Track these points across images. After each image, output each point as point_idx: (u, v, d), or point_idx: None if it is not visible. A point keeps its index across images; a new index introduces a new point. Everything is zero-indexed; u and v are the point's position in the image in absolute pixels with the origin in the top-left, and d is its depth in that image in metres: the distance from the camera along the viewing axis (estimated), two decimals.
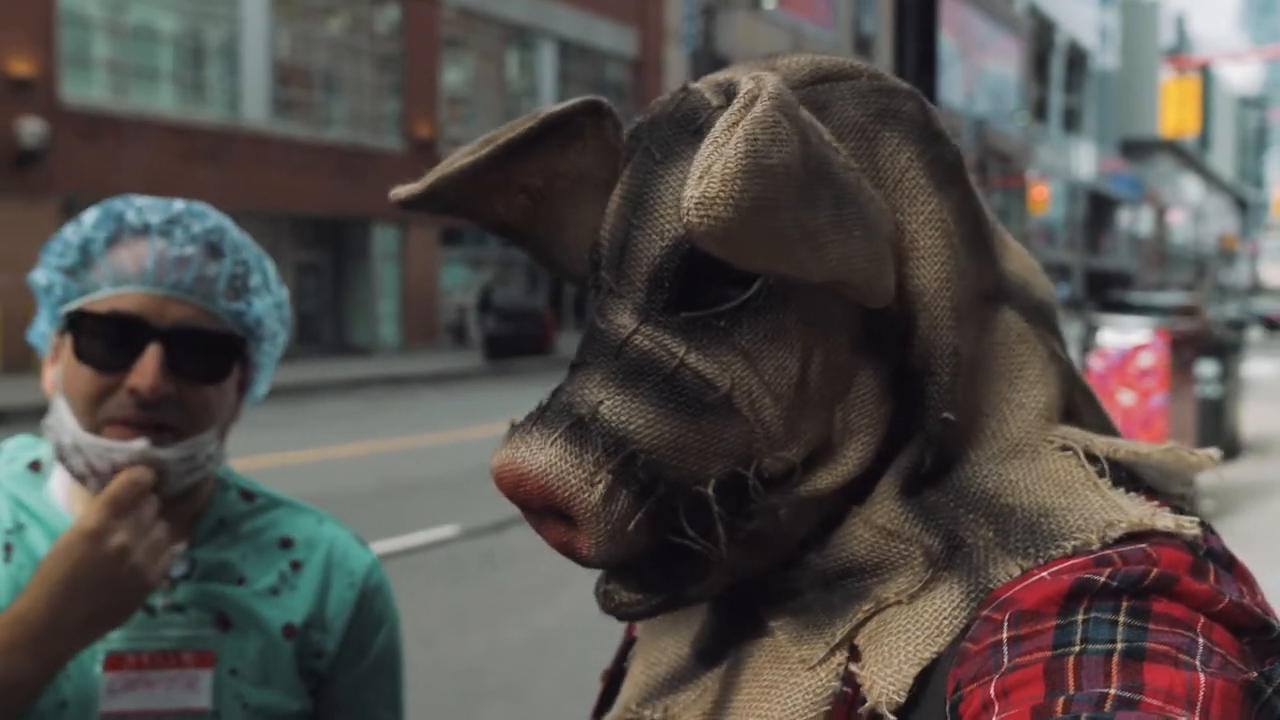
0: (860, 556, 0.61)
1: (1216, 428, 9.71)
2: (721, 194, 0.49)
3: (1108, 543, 0.57)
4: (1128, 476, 0.63)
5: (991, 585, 0.58)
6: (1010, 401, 0.64)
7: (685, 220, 0.50)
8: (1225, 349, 10.03)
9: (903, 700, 0.57)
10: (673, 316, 0.60)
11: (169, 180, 16.99)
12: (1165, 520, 0.58)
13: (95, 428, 1.02)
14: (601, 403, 0.58)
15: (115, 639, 1.05)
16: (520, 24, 25.10)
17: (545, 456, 0.56)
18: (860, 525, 0.62)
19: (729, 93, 0.62)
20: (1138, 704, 0.47)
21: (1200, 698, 0.47)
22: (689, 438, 0.58)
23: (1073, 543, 0.57)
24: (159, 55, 18.82)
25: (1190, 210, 77.07)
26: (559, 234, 0.73)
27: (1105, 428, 0.69)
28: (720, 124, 0.51)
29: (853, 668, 0.59)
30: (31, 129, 15.95)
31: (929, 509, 0.61)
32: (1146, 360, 8.34)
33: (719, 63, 24.30)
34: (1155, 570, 0.54)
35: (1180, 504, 0.62)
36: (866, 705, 0.57)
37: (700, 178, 0.50)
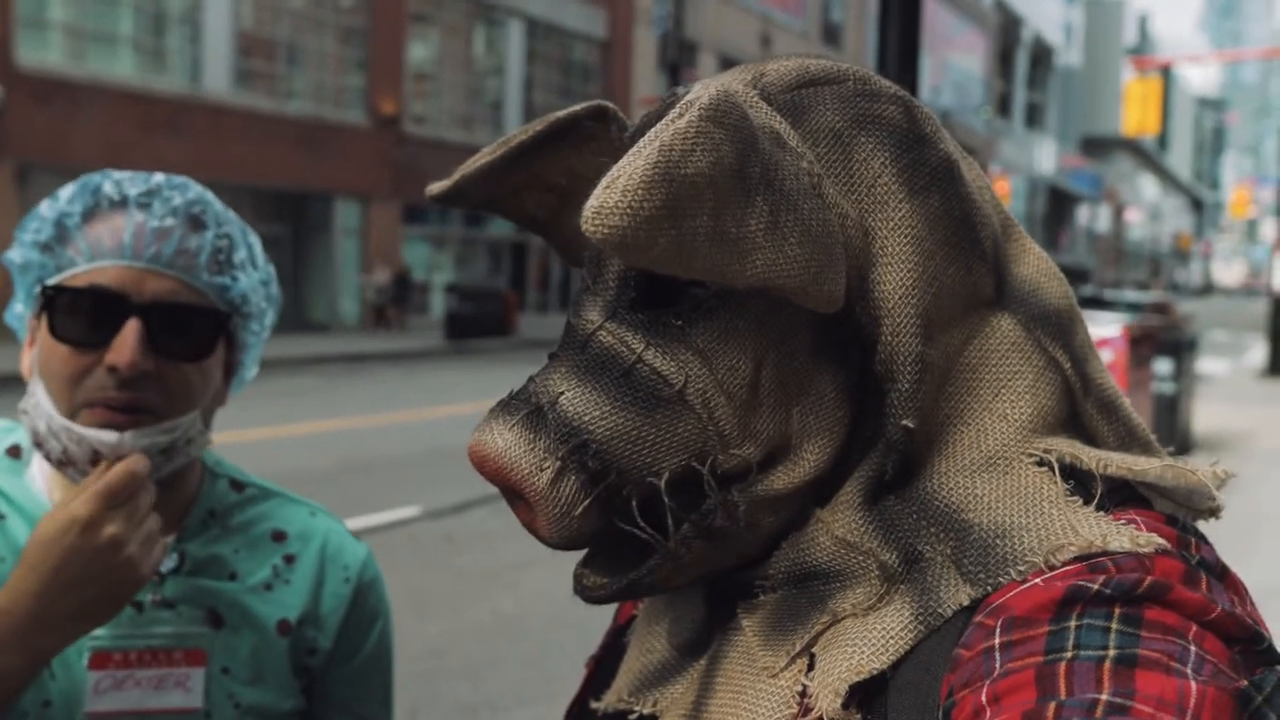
0: (822, 562, 0.63)
1: (1171, 424, 9.89)
2: (620, 203, 0.52)
3: (1053, 566, 0.57)
4: (1121, 492, 0.62)
5: (941, 611, 0.58)
6: (993, 411, 0.64)
7: (583, 227, 0.52)
8: (1181, 347, 10.19)
9: (836, 710, 0.58)
10: (636, 314, 0.62)
11: (127, 149, 16.71)
12: (1120, 541, 0.57)
13: (73, 411, 0.97)
14: (562, 393, 0.60)
15: (101, 636, 1.00)
16: (488, 1, 24.90)
17: (503, 440, 0.60)
18: (821, 532, 0.63)
19: None
20: (1129, 710, 0.47)
21: (1191, 705, 0.48)
22: (643, 431, 0.60)
23: (1021, 567, 0.57)
24: (118, 20, 18.46)
25: (1147, 209, 78.23)
26: (580, 232, 0.74)
27: (1127, 439, 0.68)
28: (648, 135, 0.54)
29: (804, 680, 0.60)
30: None
31: (889, 520, 0.62)
32: (1106, 357, 8.45)
33: (688, 47, 24.27)
34: (1148, 578, 0.54)
35: (1180, 518, 0.62)
36: (811, 716, 0.58)
37: (605, 187, 0.52)
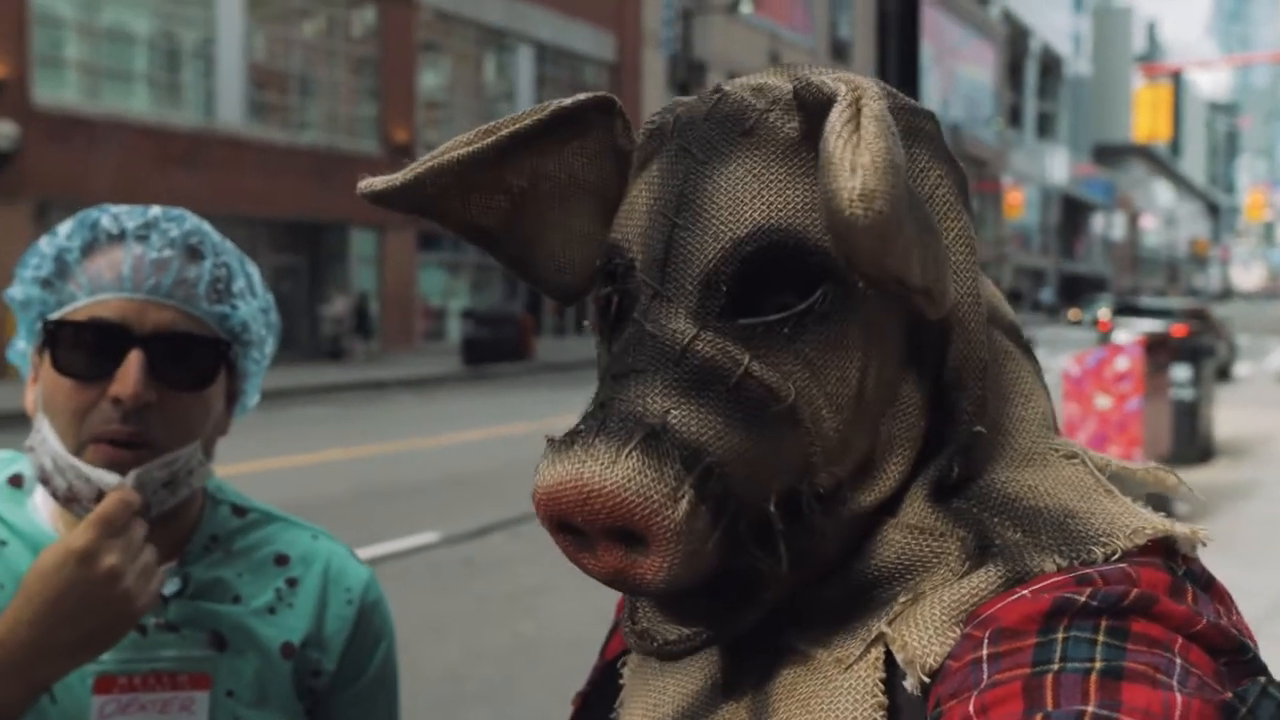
0: (891, 562, 0.60)
1: (1191, 431, 9.81)
2: (880, 187, 0.48)
3: (1135, 548, 0.58)
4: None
5: (1031, 573, 0.57)
6: (1011, 415, 0.65)
7: (847, 213, 0.48)
8: (1199, 353, 10.12)
9: (937, 665, 0.56)
10: (731, 323, 0.57)
11: (143, 183, 16.85)
12: (1182, 529, 0.60)
13: (79, 446, 0.98)
14: (669, 412, 0.54)
15: (106, 660, 1.00)
16: (497, 27, 25.07)
17: (622, 471, 0.51)
18: (892, 530, 0.61)
19: (778, 97, 0.61)
20: None
21: (1176, 717, 0.48)
22: (755, 450, 0.55)
23: (1101, 546, 0.58)
24: (133, 57, 18.68)
25: (1162, 215, 77.84)
26: (540, 240, 0.70)
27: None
28: (838, 120, 0.50)
29: (885, 630, 0.58)
30: (3, 131, 15.80)
31: (956, 513, 0.62)
32: (1122, 364, 8.40)
33: (696, 67, 24.35)
34: (1135, 590, 0.54)
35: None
36: (902, 660, 0.57)
37: (852, 171, 0.48)
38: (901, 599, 0.59)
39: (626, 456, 0.51)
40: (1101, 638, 0.52)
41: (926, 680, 0.56)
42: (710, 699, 0.63)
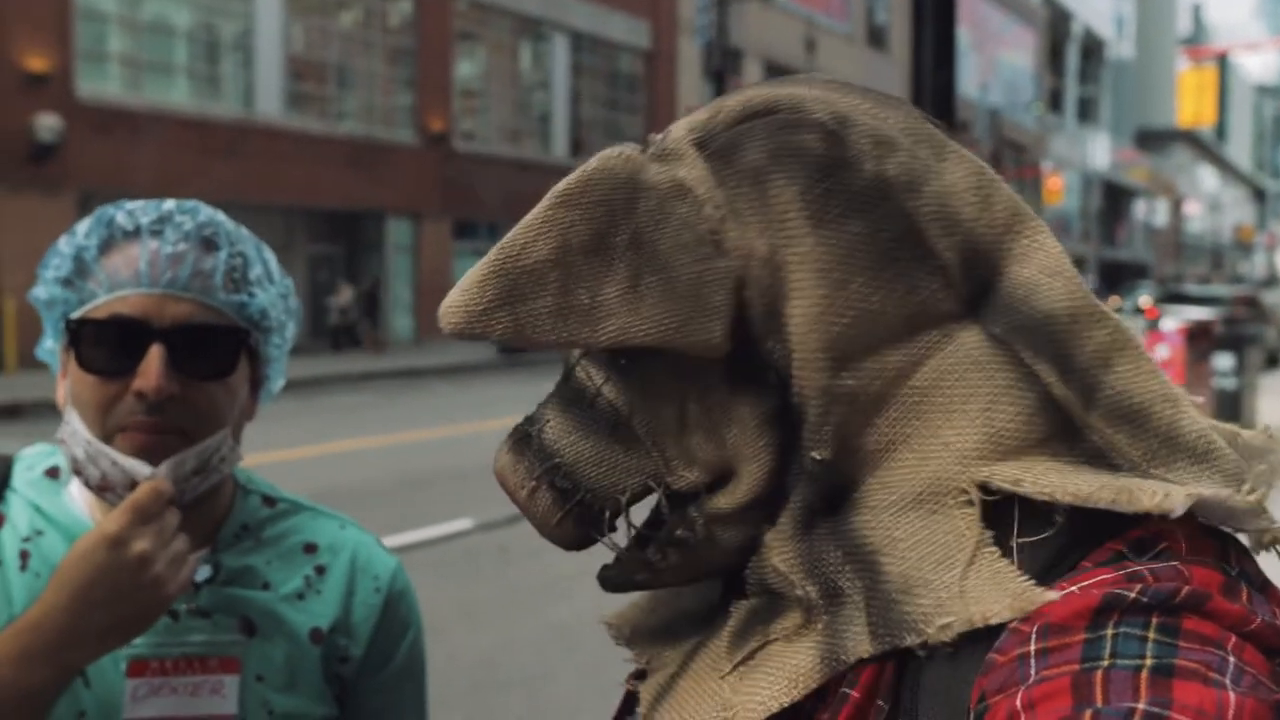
0: (768, 580, 0.66)
1: (1233, 420, 9.66)
2: (457, 301, 0.64)
3: (938, 641, 0.57)
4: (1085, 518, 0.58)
5: (844, 658, 0.60)
6: (938, 438, 0.61)
7: (439, 323, 0.65)
8: (1242, 342, 9.98)
9: None
10: (602, 355, 0.69)
11: (184, 174, 17.08)
12: (1001, 613, 0.56)
13: (107, 437, 1.00)
14: (547, 421, 0.70)
15: (138, 644, 1.03)
16: (533, 16, 25.08)
17: (500, 461, 0.70)
18: (766, 554, 0.66)
19: (657, 142, 0.69)
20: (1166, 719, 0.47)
21: (1230, 716, 0.47)
22: (604, 455, 0.68)
23: (913, 637, 0.58)
24: (174, 50, 18.88)
25: (1206, 201, 76.60)
26: None
27: (1163, 450, 0.60)
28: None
29: (726, 688, 0.64)
30: (47, 124, 16.03)
31: (816, 552, 0.63)
32: (1163, 352, 8.30)
33: (732, 54, 24.22)
34: (1187, 588, 0.53)
35: (1224, 530, 0.59)
36: None
37: (456, 287, 0.65)
38: (756, 639, 0.64)
39: (506, 451, 0.70)
40: (1152, 634, 0.51)
41: None
42: (680, 629, 0.74)
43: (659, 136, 0.70)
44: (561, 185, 0.64)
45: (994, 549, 0.59)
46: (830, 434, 0.62)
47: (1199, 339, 8.93)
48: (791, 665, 0.62)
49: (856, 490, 0.63)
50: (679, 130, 0.68)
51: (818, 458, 0.63)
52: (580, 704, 4.41)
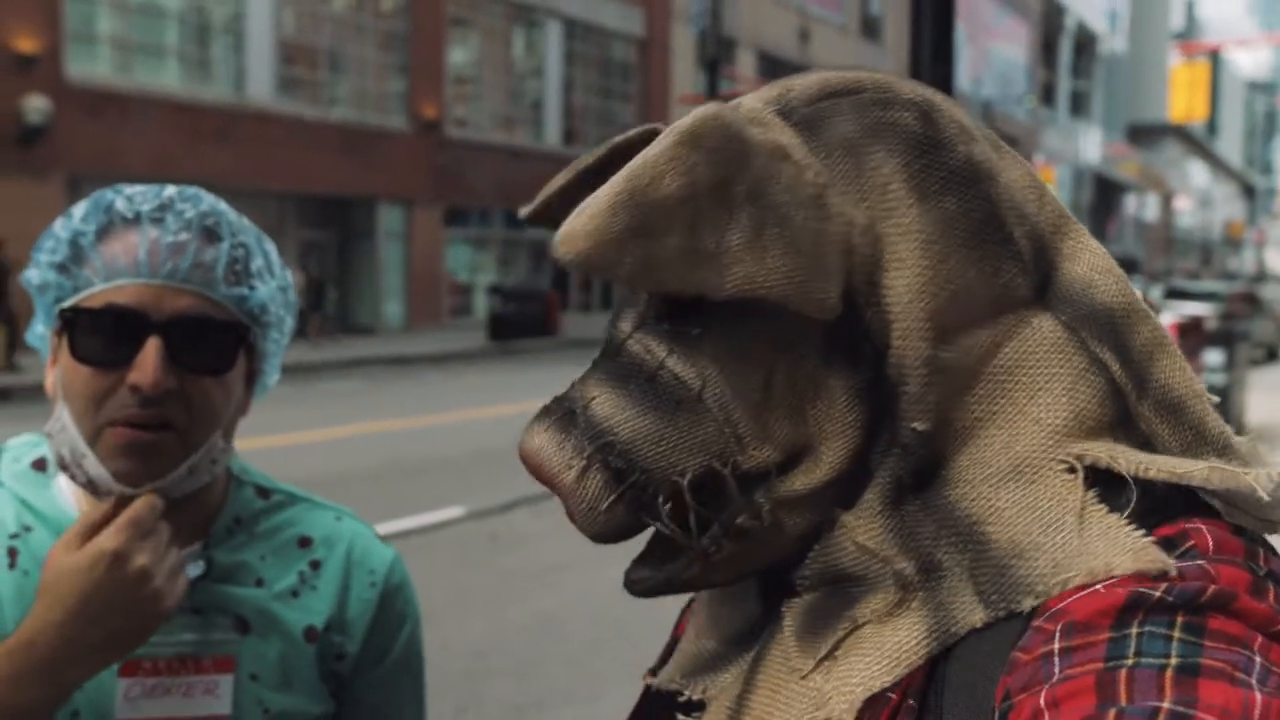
0: (845, 565, 0.63)
1: (1222, 416, 9.69)
2: (584, 227, 0.58)
3: (1062, 595, 0.56)
4: (1183, 501, 0.60)
5: (955, 630, 0.59)
6: (1027, 414, 0.63)
7: (553, 251, 0.59)
8: (1232, 338, 10.01)
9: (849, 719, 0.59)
10: (661, 325, 0.65)
11: (174, 158, 17.00)
12: (1124, 564, 0.56)
13: (97, 430, 0.97)
14: (594, 398, 0.65)
15: None
16: (526, 3, 24.99)
17: (536, 441, 0.65)
18: (844, 536, 0.63)
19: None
20: (1191, 719, 0.47)
21: (1256, 716, 0.47)
22: (665, 432, 0.63)
23: (1032, 598, 0.57)
24: (164, 32, 18.77)
25: (1197, 196, 76.83)
26: None
27: (1195, 443, 0.64)
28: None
29: (815, 682, 0.62)
30: (36, 106, 15.93)
31: (908, 527, 0.62)
32: None
33: (726, 43, 24.19)
34: (1213, 587, 0.53)
35: (1249, 529, 0.60)
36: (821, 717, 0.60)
37: (575, 213, 0.58)
38: (841, 627, 0.62)
39: (543, 431, 0.65)
40: (1177, 634, 0.51)
41: None
42: (729, 651, 0.70)
43: (732, 104, 0.67)
44: (686, 124, 0.59)
45: (1102, 506, 0.59)
46: (932, 406, 0.62)
47: (1190, 334, 8.96)
48: (892, 644, 0.60)
49: (945, 466, 0.63)
50: (753, 102, 0.66)
51: (920, 429, 0.62)
52: (570, 691, 4.41)
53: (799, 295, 0.60)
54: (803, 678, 0.62)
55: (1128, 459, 0.60)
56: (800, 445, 0.63)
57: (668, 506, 0.63)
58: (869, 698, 0.60)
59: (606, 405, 0.64)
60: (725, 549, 0.64)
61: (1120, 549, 0.57)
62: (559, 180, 0.75)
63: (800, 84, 0.68)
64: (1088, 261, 0.67)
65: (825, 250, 0.61)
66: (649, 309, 0.66)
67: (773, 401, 0.63)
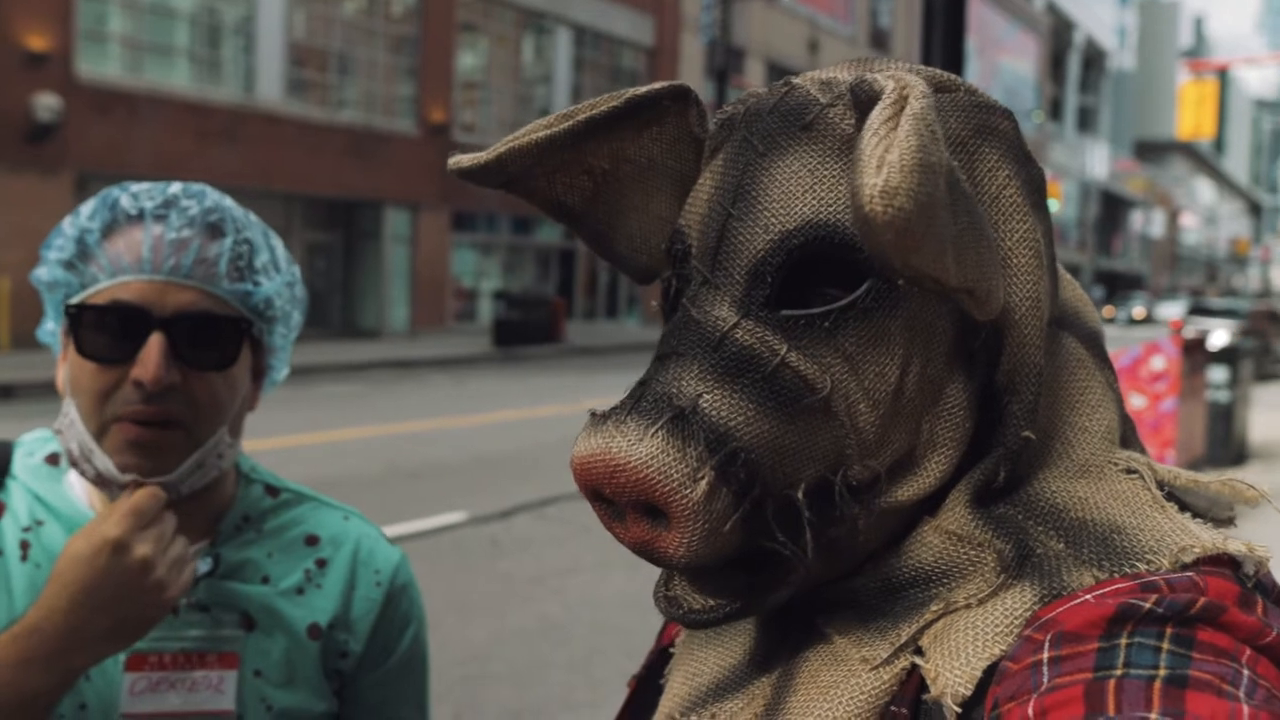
0: (928, 563, 0.61)
1: (1226, 433, 9.68)
2: (904, 185, 0.48)
3: (1180, 566, 0.57)
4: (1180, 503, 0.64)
5: (1066, 590, 0.57)
6: (1073, 425, 0.64)
7: (867, 209, 0.48)
8: (1236, 354, 9.99)
9: (969, 693, 0.56)
10: (774, 313, 0.58)
11: (183, 158, 17.02)
12: (1237, 545, 0.58)
13: (103, 426, 0.98)
14: (701, 395, 0.55)
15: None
16: (536, 9, 25.04)
17: (646, 448, 0.54)
18: (930, 532, 0.62)
19: (841, 91, 0.62)
20: None
21: None
22: (786, 438, 0.56)
23: (1145, 563, 0.57)
24: (175, 32, 18.80)
25: (1203, 213, 76.74)
26: (619, 221, 0.72)
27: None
28: (878, 117, 0.50)
29: (917, 659, 0.59)
30: (46, 104, 15.96)
31: (999, 520, 0.61)
32: (1158, 364, 8.30)
33: (735, 53, 24.23)
34: (1202, 599, 0.53)
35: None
36: (931, 695, 0.57)
37: (879, 167, 0.48)
38: (933, 607, 0.60)
39: (652, 435, 0.54)
40: (1166, 645, 0.51)
41: (959, 711, 0.56)
42: (743, 673, 0.66)
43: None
44: (920, 87, 0.52)
45: (1173, 504, 0.61)
46: (1038, 415, 0.62)
47: (1194, 351, 8.94)
48: (1001, 613, 0.58)
49: (1019, 469, 0.63)
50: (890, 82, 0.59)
51: (1032, 437, 0.62)
52: (570, 697, 4.40)
53: (995, 291, 0.57)
54: (873, 668, 0.59)
55: (1158, 468, 0.64)
56: (906, 453, 0.61)
57: (778, 522, 0.56)
58: (876, 705, 0.59)
59: (722, 406, 0.55)
60: (809, 565, 0.58)
61: (1212, 534, 0.58)
62: (539, 131, 0.67)
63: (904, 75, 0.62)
64: (1070, 290, 0.69)
65: (995, 246, 0.59)
66: (751, 294, 0.59)
67: (900, 405, 0.59)
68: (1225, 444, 9.68)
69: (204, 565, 1.05)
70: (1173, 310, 22.83)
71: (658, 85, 0.69)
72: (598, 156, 0.69)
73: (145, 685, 1.02)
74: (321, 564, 1.12)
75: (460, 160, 0.69)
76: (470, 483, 8.31)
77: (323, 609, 1.10)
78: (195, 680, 1.03)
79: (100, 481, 1.00)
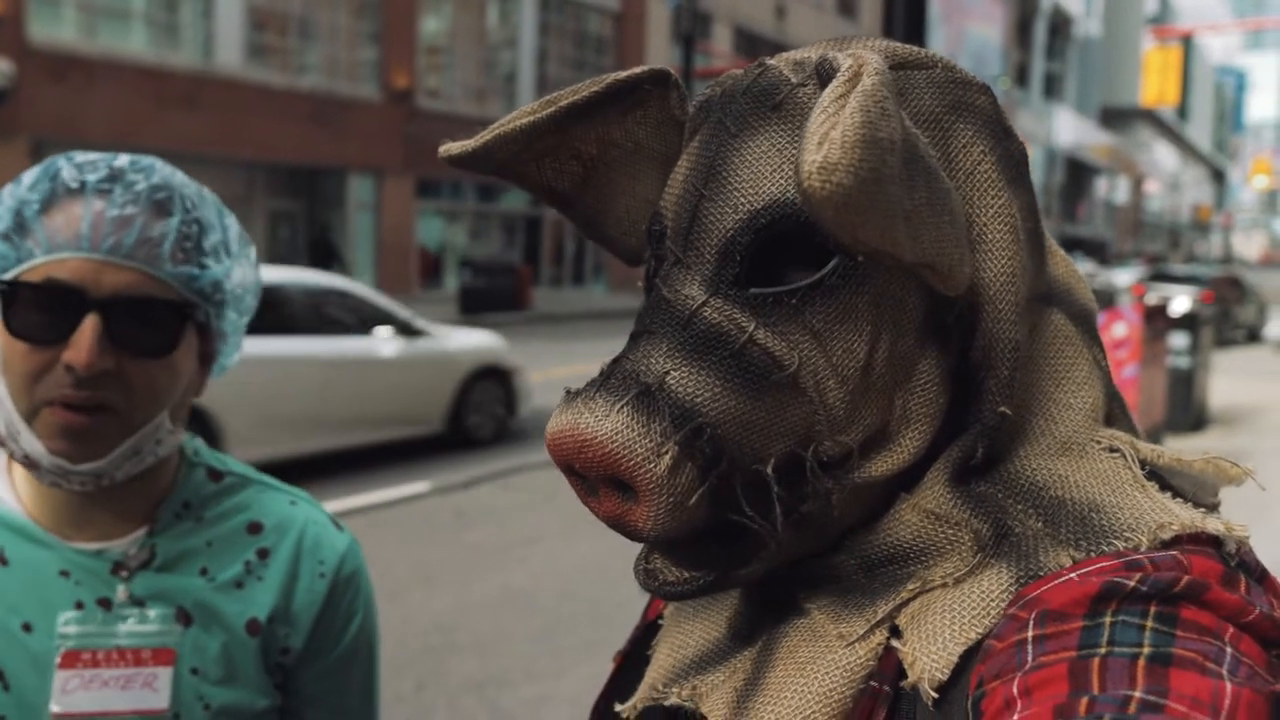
0: (905, 541, 0.62)
1: (1186, 399, 9.82)
2: (843, 160, 0.48)
3: (1158, 544, 0.57)
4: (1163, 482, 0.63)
5: (1042, 571, 0.57)
6: (1057, 401, 0.64)
7: (805, 184, 0.48)
8: (1197, 321, 10.11)
9: (946, 678, 0.56)
10: (742, 291, 0.59)
11: (140, 124, 16.73)
12: (1215, 524, 0.58)
13: (33, 408, 0.93)
14: (668, 373, 0.57)
15: (71, 636, 0.97)
16: None
17: (611, 424, 0.55)
18: (908, 510, 0.62)
19: (811, 71, 0.61)
20: (1162, 709, 0.47)
21: (1226, 706, 0.47)
22: (753, 414, 0.57)
23: (1123, 541, 0.57)
24: None
25: (1166, 180, 77.45)
26: (609, 204, 0.74)
27: (1133, 434, 0.69)
28: (829, 94, 0.50)
29: (894, 643, 0.59)
30: None
31: (977, 498, 0.61)
32: (1120, 331, 8.39)
33: (702, 18, 24.06)
34: (1186, 577, 0.54)
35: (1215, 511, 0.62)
36: (908, 681, 0.57)
37: (819, 143, 0.48)
38: (910, 585, 0.60)
39: (618, 411, 0.55)
40: (1150, 623, 0.51)
41: (935, 695, 0.56)
42: (726, 646, 0.67)
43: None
44: (876, 64, 0.51)
45: (1154, 482, 0.60)
46: (1015, 389, 0.62)
47: (1155, 317, 9.04)
48: (977, 595, 0.58)
49: (1002, 445, 0.63)
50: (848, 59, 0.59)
51: (1007, 412, 0.61)
52: (533, 667, 4.41)
53: (959, 266, 0.57)
54: (849, 644, 0.60)
55: (1141, 447, 0.64)
56: (880, 429, 0.61)
57: (747, 497, 0.57)
58: (852, 680, 0.59)
59: (688, 382, 0.56)
60: (783, 540, 0.59)
61: (1191, 513, 0.58)
62: (524, 118, 0.68)
63: (862, 48, 0.63)
64: (1061, 266, 0.69)
65: (962, 222, 0.59)
66: (721, 273, 0.59)
67: (869, 381, 0.60)
68: (1185, 409, 9.81)
69: (137, 558, 1.01)
70: (1124, 278, 22.94)
71: (638, 70, 0.69)
72: (585, 141, 0.71)
73: (78, 683, 0.98)
74: (263, 554, 1.08)
75: (450, 148, 0.70)
76: (435, 453, 8.28)
77: (262, 603, 1.06)
78: (129, 677, 0.99)
79: (28, 463, 0.95)
